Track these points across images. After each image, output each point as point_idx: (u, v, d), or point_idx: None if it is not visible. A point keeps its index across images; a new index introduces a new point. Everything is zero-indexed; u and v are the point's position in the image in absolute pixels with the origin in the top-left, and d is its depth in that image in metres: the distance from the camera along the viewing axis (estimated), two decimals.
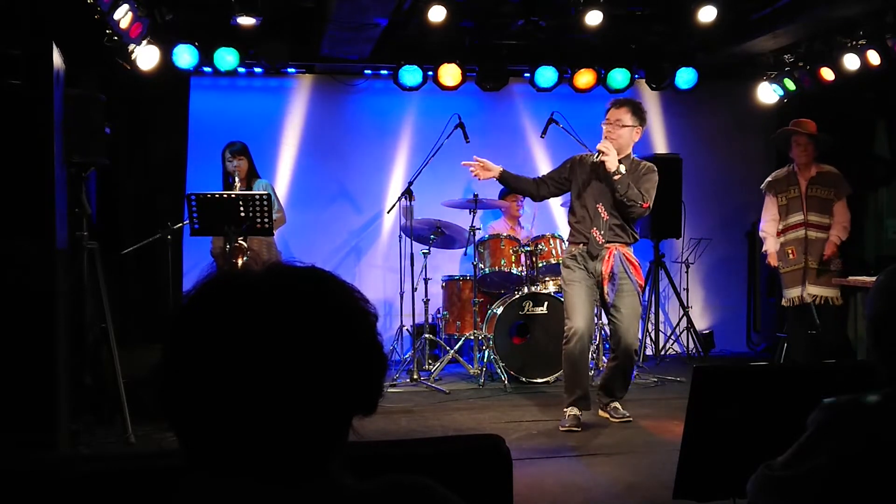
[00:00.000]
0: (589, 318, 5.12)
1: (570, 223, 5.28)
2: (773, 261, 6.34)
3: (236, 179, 6.06)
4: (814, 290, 6.10)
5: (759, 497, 1.74)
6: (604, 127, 5.12)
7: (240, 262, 5.36)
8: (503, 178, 5.28)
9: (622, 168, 4.96)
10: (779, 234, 6.27)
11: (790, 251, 6.20)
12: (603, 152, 4.98)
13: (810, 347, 6.21)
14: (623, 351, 5.08)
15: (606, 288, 5.03)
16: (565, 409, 5.10)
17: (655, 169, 5.13)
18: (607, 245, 5.04)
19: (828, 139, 6.14)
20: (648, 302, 7.64)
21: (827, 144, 6.15)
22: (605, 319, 5.79)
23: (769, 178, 6.37)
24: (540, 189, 5.31)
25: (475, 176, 5.25)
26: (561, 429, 5.03)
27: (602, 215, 5.04)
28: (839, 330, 6.50)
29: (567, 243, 5.38)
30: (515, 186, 5.47)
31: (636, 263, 5.15)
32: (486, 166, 5.24)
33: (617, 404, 5.22)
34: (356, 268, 7.64)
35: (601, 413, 5.28)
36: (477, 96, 7.46)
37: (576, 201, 5.20)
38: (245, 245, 5.72)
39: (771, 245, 6.32)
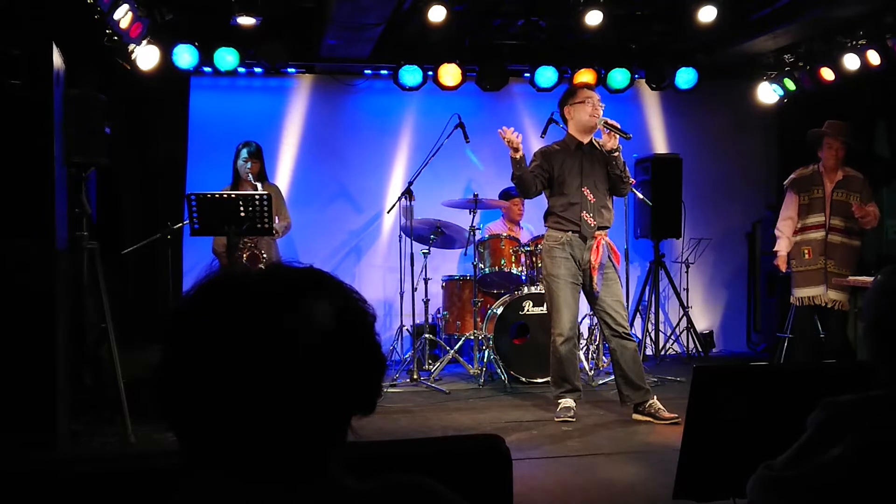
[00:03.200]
0: (575, 317, 5.27)
1: (553, 213, 5.29)
2: (782, 264, 6.29)
3: (257, 185, 6.03)
4: (833, 295, 6.08)
5: (759, 497, 1.73)
6: (596, 109, 5.22)
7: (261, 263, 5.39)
8: (521, 160, 5.15)
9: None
10: (795, 232, 6.22)
11: (806, 251, 6.15)
12: (619, 128, 5.13)
13: (816, 348, 6.20)
14: (621, 336, 5.17)
15: (595, 278, 5.16)
16: (559, 401, 5.21)
17: None
18: (596, 233, 5.20)
19: (859, 146, 6.13)
20: (648, 302, 7.64)
21: (858, 151, 6.14)
22: (590, 309, 5.80)
23: (793, 176, 6.29)
24: (536, 184, 5.26)
25: (508, 142, 5.08)
26: (556, 420, 5.12)
27: (589, 198, 5.21)
28: (844, 331, 6.50)
29: (550, 232, 5.30)
30: (524, 175, 5.19)
31: (616, 249, 5.36)
32: (516, 144, 5.11)
33: (658, 404, 5.11)
34: (356, 268, 7.64)
35: (638, 416, 5.15)
36: (477, 96, 7.45)
37: (558, 190, 5.24)
38: (261, 252, 5.77)
39: (783, 246, 6.26)
